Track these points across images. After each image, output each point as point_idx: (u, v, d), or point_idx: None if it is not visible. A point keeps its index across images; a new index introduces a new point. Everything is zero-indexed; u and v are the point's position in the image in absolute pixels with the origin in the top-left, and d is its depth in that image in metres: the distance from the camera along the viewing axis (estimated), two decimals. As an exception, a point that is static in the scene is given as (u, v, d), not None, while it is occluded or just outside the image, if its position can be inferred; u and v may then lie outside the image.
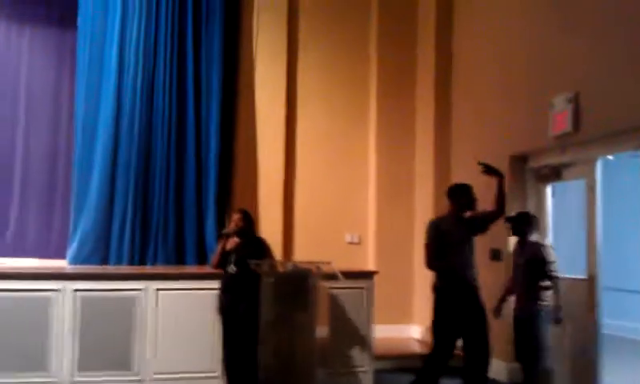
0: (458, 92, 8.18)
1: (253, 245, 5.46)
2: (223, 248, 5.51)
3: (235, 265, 5.33)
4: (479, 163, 5.32)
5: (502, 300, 5.70)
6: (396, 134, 8.62)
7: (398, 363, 7.11)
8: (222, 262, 5.48)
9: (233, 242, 5.51)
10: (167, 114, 7.89)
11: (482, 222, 5.30)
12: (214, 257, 5.63)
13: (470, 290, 5.18)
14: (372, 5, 8.80)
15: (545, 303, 5.34)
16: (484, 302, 5.24)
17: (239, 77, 8.37)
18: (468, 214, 5.32)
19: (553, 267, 5.34)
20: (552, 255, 5.41)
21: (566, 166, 6.34)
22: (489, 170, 5.30)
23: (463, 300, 5.14)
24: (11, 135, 7.96)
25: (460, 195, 5.36)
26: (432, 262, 5.35)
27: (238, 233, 5.50)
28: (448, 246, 5.23)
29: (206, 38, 8.15)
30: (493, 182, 5.28)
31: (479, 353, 5.12)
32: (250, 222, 5.62)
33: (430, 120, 8.34)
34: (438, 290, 5.32)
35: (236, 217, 5.61)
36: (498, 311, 5.63)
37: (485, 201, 5.35)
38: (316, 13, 8.68)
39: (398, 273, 8.29)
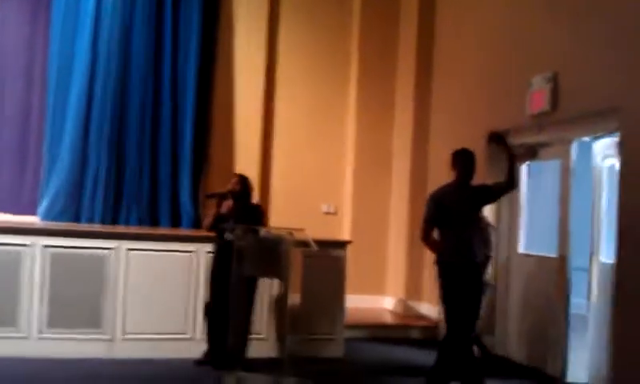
0: (438, 69, 8.19)
1: (249, 211, 5.43)
2: (218, 211, 5.47)
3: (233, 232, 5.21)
4: (491, 133, 5.10)
5: None
6: (375, 108, 8.62)
7: (369, 333, 7.19)
8: (215, 225, 5.44)
9: (227, 205, 5.46)
10: (143, 74, 7.80)
11: (494, 194, 4.98)
12: (206, 219, 5.61)
13: (475, 267, 4.75)
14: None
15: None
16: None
17: (217, 43, 8.28)
18: (476, 184, 4.89)
19: (490, 246, 5.40)
20: (492, 235, 5.50)
21: (543, 145, 6.39)
22: (499, 140, 4.98)
23: (467, 278, 4.68)
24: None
25: (467, 162, 4.84)
26: (428, 238, 4.89)
27: (233, 196, 5.45)
28: (452, 219, 4.75)
29: (186, 8, 8.02)
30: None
31: (463, 331, 4.69)
32: (246, 187, 5.57)
33: (409, 95, 8.35)
34: (442, 264, 4.82)
35: (233, 180, 5.57)
36: None
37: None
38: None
39: (372, 244, 8.36)
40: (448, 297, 4.75)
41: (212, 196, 5.85)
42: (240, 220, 5.22)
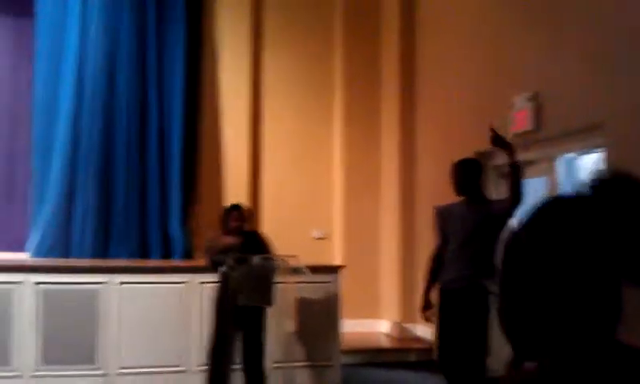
0: (422, 91, 8.29)
1: (254, 240, 5.31)
2: (223, 246, 5.24)
3: (238, 262, 5.08)
4: (490, 129, 4.27)
5: None
6: (361, 130, 8.68)
7: (366, 357, 7.17)
8: (216, 262, 5.23)
9: (233, 239, 5.26)
10: (129, 105, 7.81)
11: (501, 217, 4.06)
12: (207, 256, 5.34)
13: (481, 297, 4.13)
14: (336, 0, 8.83)
15: None
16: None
17: (202, 71, 8.34)
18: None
19: None
20: None
21: (528, 163, 6.48)
22: (497, 141, 4.21)
23: (470, 309, 4.11)
24: (-32, 124, 7.77)
25: (474, 172, 4.34)
26: (432, 258, 4.45)
27: (238, 232, 5.28)
28: (455, 237, 4.30)
29: (168, 32, 8.11)
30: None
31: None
32: (246, 217, 5.44)
33: (395, 116, 8.43)
34: (444, 293, 4.28)
35: (234, 215, 5.32)
36: None
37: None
38: (280, 8, 8.67)
39: (365, 268, 8.36)
40: (445, 332, 4.30)
41: (215, 251, 5.33)
42: (245, 250, 5.12)
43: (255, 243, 5.31)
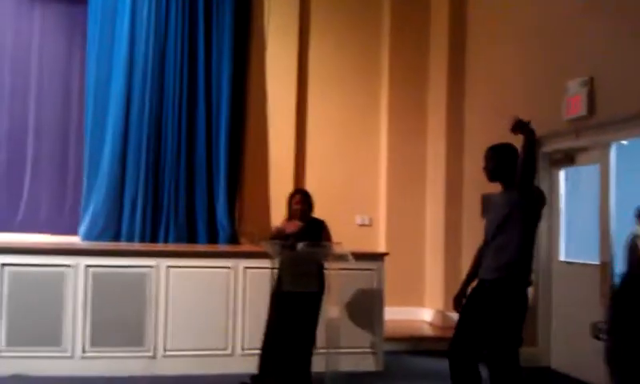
0: (471, 76, 8.13)
1: (314, 228, 5.33)
2: (283, 230, 5.33)
3: (285, 248, 5.09)
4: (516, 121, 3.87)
5: None
6: (408, 117, 8.59)
7: (408, 345, 7.13)
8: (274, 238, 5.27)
9: (294, 224, 5.35)
10: (178, 93, 7.91)
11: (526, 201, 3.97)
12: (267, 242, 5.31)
13: (517, 290, 3.96)
14: (385, -14, 8.73)
15: None
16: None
17: (250, 57, 8.36)
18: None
19: None
20: None
21: (580, 150, 6.29)
22: (520, 126, 3.84)
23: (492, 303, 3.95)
24: (23, 112, 7.99)
25: (508, 158, 4.08)
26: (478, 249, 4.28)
27: (300, 217, 5.34)
28: (490, 226, 4.14)
29: (217, 18, 8.14)
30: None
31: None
32: (310, 203, 5.45)
33: (442, 102, 8.30)
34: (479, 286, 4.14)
35: (296, 198, 5.40)
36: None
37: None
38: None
39: (409, 255, 8.30)
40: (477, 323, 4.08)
41: (275, 238, 5.35)
42: (305, 237, 5.14)
43: (316, 231, 5.31)
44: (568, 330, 6.22)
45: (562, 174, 6.64)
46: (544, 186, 6.70)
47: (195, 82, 8.02)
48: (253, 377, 5.30)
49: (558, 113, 6.13)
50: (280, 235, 5.31)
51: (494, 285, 3.97)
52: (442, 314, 7.99)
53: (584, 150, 6.23)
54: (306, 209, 5.40)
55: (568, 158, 6.47)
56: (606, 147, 5.78)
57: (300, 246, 5.12)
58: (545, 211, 6.54)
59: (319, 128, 8.54)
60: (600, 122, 5.69)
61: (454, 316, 7.85)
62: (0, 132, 7.88)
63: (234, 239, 7.85)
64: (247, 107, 8.33)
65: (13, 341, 5.53)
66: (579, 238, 6.36)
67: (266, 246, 5.22)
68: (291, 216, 5.41)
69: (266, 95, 8.37)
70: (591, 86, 5.72)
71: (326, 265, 5.22)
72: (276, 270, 5.21)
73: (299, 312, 5.15)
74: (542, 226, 6.61)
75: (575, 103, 5.89)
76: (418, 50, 8.63)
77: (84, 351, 5.64)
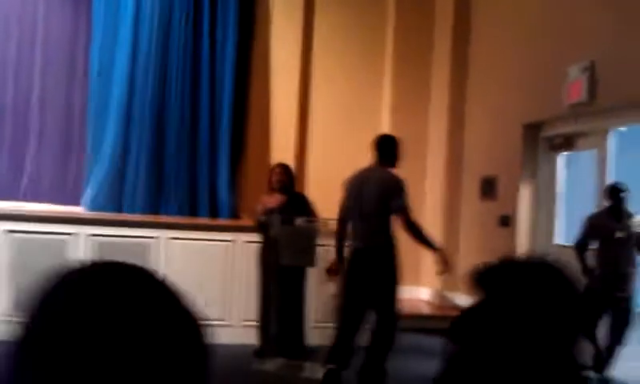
0: (474, 59, 8.16)
1: (297, 201, 5.43)
2: (266, 205, 5.39)
3: (283, 223, 5.20)
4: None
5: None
6: (410, 99, 8.62)
7: (406, 323, 7.20)
8: (263, 223, 5.37)
9: (276, 198, 5.41)
10: (182, 66, 7.94)
11: None
12: (257, 215, 5.48)
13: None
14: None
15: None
16: None
17: (255, 35, 8.38)
18: None
19: None
20: None
21: (579, 135, 6.35)
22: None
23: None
24: (28, 83, 8.01)
25: (391, 147, 5.19)
26: None
27: (280, 188, 5.41)
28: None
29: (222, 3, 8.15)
30: None
31: None
32: (291, 176, 5.54)
33: (445, 85, 8.34)
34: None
35: (277, 170, 5.48)
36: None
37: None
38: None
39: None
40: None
41: (261, 213, 5.48)
42: (288, 211, 5.23)
43: (299, 204, 5.39)
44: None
45: (560, 159, 6.71)
46: (543, 169, 6.79)
47: (199, 57, 8.05)
48: (256, 351, 5.43)
49: (558, 98, 6.18)
50: (262, 210, 5.37)
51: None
52: (439, 293, 8.09)
53: (583, 135, 6.29)
54: (286, 181, 5.43)
55: (567, 143, 6.53)
56: (605, 133, 5.84)
57: (299, 221, 5.21)
58: (543, 194, 6.66)
59: (323, 103, 8.57)
60: (600, 108, 5.74)
61: (452, 296, 8.04)
62: (5, 104, 7.92)
63: (234, 214, 7.93)
64: (250, 83, 8.36)
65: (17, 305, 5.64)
66: (576, 221, 6.44)
67: (265, 221, 5.30)
68: (271, 188, 5.45)
69: (269, 71, 8.40)
70: (592, 71, 5.76)
71: (322, 240, 5.31)
72: (268, 243, 5.29)
73: (295, 285, 5.27)
74: (541, 209, 6.72)
75: (576, 89, 5.94)
76: (422, 28, 8.62)
77: (86, 318, 5.73)
